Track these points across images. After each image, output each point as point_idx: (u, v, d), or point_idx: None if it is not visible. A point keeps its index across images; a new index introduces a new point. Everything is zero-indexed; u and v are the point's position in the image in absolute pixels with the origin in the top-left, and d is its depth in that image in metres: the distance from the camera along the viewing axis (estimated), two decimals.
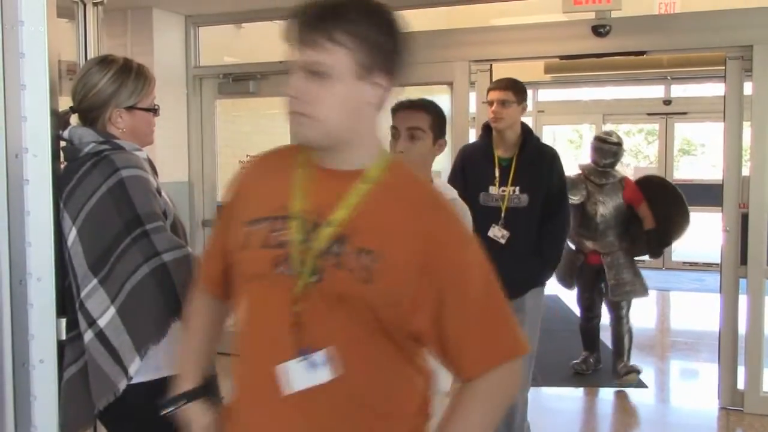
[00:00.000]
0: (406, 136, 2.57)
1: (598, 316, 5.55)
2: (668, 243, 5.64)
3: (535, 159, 3.71)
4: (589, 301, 5.54)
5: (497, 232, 3.58)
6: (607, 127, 12.16)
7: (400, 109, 2.58)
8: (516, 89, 3.71)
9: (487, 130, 3.81)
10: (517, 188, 3.64)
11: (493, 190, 3.66)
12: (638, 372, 5.35)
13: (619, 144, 5.44)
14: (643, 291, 5.41)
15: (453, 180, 3.77)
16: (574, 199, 5.16)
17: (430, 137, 2.60)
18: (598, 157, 5.39)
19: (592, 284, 5.45)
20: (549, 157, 3.74)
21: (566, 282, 5.58)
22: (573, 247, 5.45)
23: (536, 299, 3.68)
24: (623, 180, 5.42)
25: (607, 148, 5.37)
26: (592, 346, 5.58)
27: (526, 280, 3.60)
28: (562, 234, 3.78)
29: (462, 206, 2.63)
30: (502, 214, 3.61)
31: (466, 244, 1.51)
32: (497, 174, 3.67)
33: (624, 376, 5.28)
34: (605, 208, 5.33)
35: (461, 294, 1.45)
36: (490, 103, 3.73)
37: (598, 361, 5.58)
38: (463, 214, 2.49)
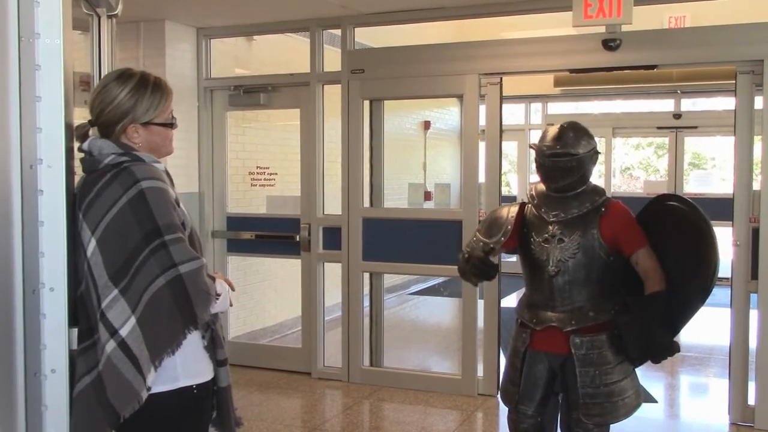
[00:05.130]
0: None
1: None
2: (682, 322, 3.29)
3: None
4: (537, 420, 3.34)
5: None
6: (617, 141, 12.15)
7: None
8: None
9: None
10: None
11: None
12: None
13: (574, 154, 3.18)
14: (636, 403, 3.27)
15: None
16: (489, 242, 3.33)
17: None
18: (545, 177, 3.30)
19: (544, 393, 3.32)
20: None
21: (508, 391, 3.38)
22: (519, 321, 3.41)
23: None
24: (605, 204, 3.26)
25: (552, 165, 3.22)
26: None
27: None
28: None
29: None
30: None
31: None
32: None
33: None
34: (564, 249, 3.20)
35: None
36: None
37: None
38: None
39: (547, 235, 3.25)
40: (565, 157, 3.19)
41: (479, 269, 3.29)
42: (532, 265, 3.31)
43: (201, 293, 2.05)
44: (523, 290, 3.52)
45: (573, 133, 3.24)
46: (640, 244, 3.19)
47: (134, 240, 2.02)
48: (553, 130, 3.28)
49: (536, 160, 3.31)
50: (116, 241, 2.03)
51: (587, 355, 3.18)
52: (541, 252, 3.25)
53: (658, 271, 3.15)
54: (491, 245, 3.31)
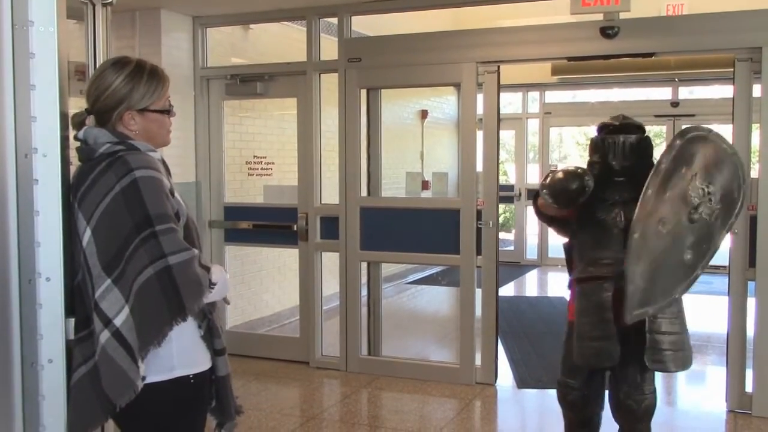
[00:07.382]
0: None
1: (594, 416, 3.61)
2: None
3: None
4: (584, 393, 3.51)
5: None
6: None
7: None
8: None
9: None
10: None
11: None
12: None
13: (644, 139, 3.52)
14: (689, 358, 3.42)
15: None
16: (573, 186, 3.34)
17: None
18: (612, 156, 3.46)
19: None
20: None
21: (592, 349, 3.34)
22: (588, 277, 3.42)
23: None
24: None
25: (626, 143, 3.46)
26: None
27: None
28: None
29: None
30: None
31: None
32: None
33: None
34: (631, 210, 3.09)
35: None
36: None
37: None
38: None
39: (611, 199, 3.39)
40: (635, 129, 3.49)
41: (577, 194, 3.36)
42: (599, 226, 3.39)
43: (191, 284, 2.03)
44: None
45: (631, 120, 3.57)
46: None
47: (126, 229, 2.01)
48: (614, 119, 3.57)
49: (597, 142, 3.50)
50: (109, 230, 2.02)
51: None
52: (609, 211, 3.38)
53: None
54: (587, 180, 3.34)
